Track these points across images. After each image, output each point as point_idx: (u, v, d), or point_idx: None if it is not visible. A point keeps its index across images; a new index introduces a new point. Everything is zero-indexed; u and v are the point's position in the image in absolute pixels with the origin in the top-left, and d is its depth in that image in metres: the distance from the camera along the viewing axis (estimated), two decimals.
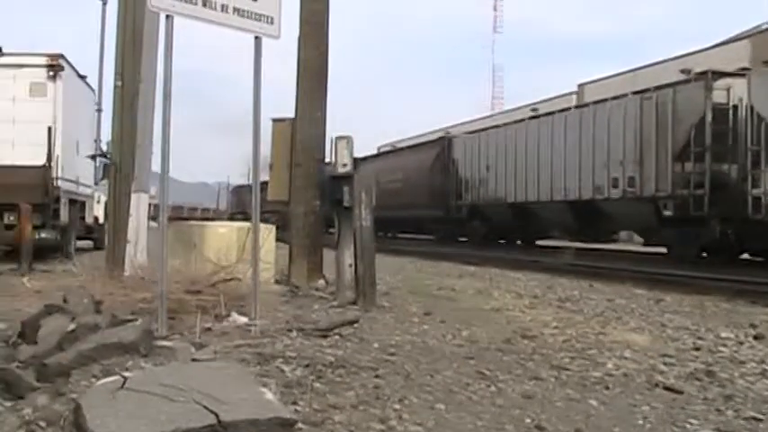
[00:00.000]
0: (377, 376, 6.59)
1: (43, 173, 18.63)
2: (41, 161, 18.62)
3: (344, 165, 12.00)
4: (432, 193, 35.64)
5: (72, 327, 6.53)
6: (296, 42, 13.68)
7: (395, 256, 26.18)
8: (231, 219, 79.60)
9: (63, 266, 15.53)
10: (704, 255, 22.39)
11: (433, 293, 13.92)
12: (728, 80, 20.81)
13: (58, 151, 19.55)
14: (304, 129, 13.51)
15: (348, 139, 12.18)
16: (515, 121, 32.49)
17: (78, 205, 23.35)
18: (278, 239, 14.21)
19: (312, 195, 13.32)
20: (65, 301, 7.66)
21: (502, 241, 33.67)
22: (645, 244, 27.23)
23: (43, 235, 18.52)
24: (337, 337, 8.50)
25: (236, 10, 8.47)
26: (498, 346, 8.42)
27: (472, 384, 6.52)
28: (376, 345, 8.15)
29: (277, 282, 13.24)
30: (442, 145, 36.89)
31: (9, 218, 17.53)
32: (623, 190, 23.63)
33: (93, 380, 5.74)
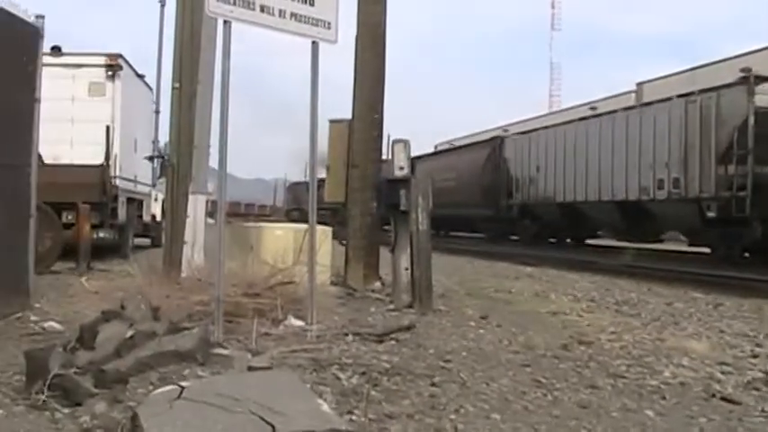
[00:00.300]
0: (433, 384, 6.59)
1: (101, 172, 18.73)
2: (100, 160, 18.74)
3: (401, 168, 11.98)
4: (483, 193, 35.58)
5: (130, 333, 6.58)
6: (353, 43, 13.71)
7: (450, 255, 26.17)
8: (287, 214, 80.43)
9: (120, 266, 15.65)
10: (746, 255, 22.47)
11: (490, 296, 13.87)
12: None
13: (116, 150, 19.69)
14: (361, 130, 13.53)
15: (405, 143, 12.16)
16: (564, 122, 32.41)
17: (136, 204, 23.55)
18: (333, 237, 14.21)
19: (369, 197, 13.33)
20: (122, 307, 7.71)
21: (552, 240, 33.65)
22: (690, 244, 27.20)
23: (101, 234, 18.65)
24: (393, 342, 8.53)
25: (293, 15, 8.49)
26: (555, 353, 8.38)
27: (528, 393, 6.49)
28: (432, 351, 8.15)
29: (333, 283, 13.26)
30: (494, 145, 36.80)
31: (67, 217, 17.59)
32: (668, 191, 23.76)
33: (151, 387, 5.80)
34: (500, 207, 34.72)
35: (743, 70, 21.88)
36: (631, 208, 26.15)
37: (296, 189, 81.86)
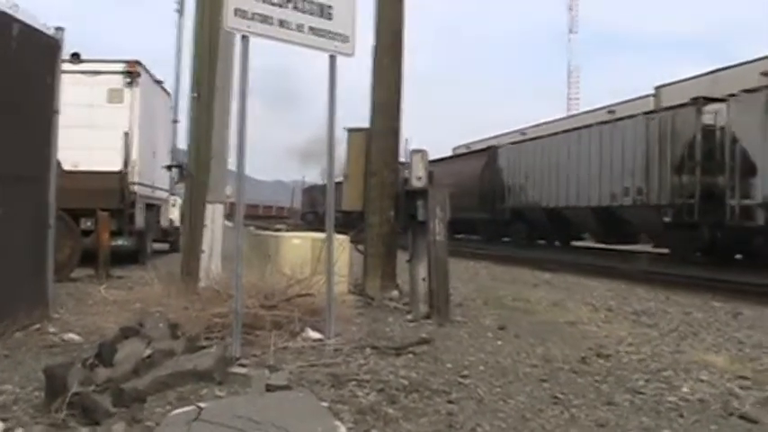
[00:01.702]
0: (450, 401, 6.60)
1: (120, 178, 18.85)
2: (118, 167, 18.84)
3: (419, 178, 12.01)
4: (480, 197, 38.48)
5: (148, 352, 6.61)
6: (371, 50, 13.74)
7: (467, 259, 26.22)
8: (303, 217, 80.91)
9: (139, 272, 15.67)
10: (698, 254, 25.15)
11: (508, 305, 13.84)
12: (716, 105, 23.75)
13: (134, 156, 19.80)
14: (379, 139, 13.54)
15: (423, 153, 12.19)
16: (549, 135, 36.16)
17: (154, 210, 23.66)
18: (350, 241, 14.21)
19: (387, 205, 13.32)
20: (141, 324, 7.74)
21: (541, 242, 36.76)
22: (654, 246, 30.01)
23: (120, 242, 18.70)
24: (411, 355, 8.53)
25: (311, 29, 8.51)
26: (572, 366, 8.37)
27: (545, 410, 6.49)
28: (449, 365, 8.16)
29: (351, 292, 13.26)
30: (490, 154, 40.25)
31: (86, 223, 17.67)
32: (633, 198, 27.12)
33: (169, 407, 5.83)
34: (495, 211, 38.20)
35: (763, 74, 23.41)
36: (603, 213, 29.64)
37: (311, 192, 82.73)
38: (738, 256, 24.84)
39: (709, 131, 23.56)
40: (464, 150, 55.24)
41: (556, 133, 35.31)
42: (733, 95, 23.02)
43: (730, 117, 22.54)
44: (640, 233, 30.35)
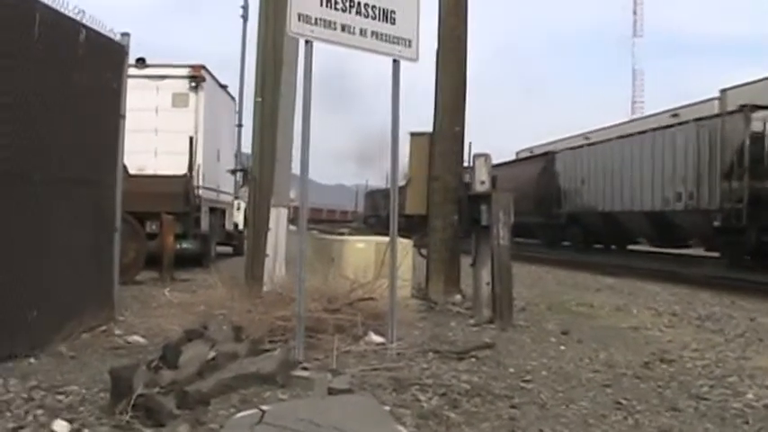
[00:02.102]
0: (512, 406, 6.57)
1: (185, 182, 18.93)
2: (183, 170, 18.96)
3: (482, 182, 12.00)
4: (537, 202, 38.62)
5: (212, 354, 6.66)
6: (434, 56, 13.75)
7: (531, 264, 26.16)
8: (365, 221, 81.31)
9: (203, 276, 15.77)
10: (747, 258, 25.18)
11: (571, 310, 13.79)
12: (764, 113, 24.17)
13: (199, 160, 19.90)
14: (442, 143, 13.56)
15: (486, 157, 12.16)
16: (604, 141, 36.85)
17: (219, 213, 23.82)
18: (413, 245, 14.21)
19: (450, 210, 13.32)
20: (205, 327, 7.80)
21: (598, 246, 37.10)
22: (705, 250, 30.21)
23: (184, 245, 18.80)
24: (473, 359, 8.52)
25: (374, 33, 8.53)
26: (636, 372, 8.30)
27: (608, 416, 6.44)
28: (512, 369, 8.14)
29: (414, 296, 13.27)
30: (547, 159, 40.99)
31: (151, 227, 17.77)
32: (685, 203, 27.72)
33: (232, 410, 5.87)
34: (551, 215, 38.67)
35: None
36: (656, 217, 30.26)
37: (374, 196, 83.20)
38: None
39: (757, 138, 23.88)
40: (527, 154, 55.05)
41: (610, 139, 36.06)
42: None
43: None
44: (692, 237, 30.88)
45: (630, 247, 36.72)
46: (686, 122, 29.15)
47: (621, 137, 34.84)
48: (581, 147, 39.38)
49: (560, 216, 38.22)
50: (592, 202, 35.17)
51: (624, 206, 32.18)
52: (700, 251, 30.86)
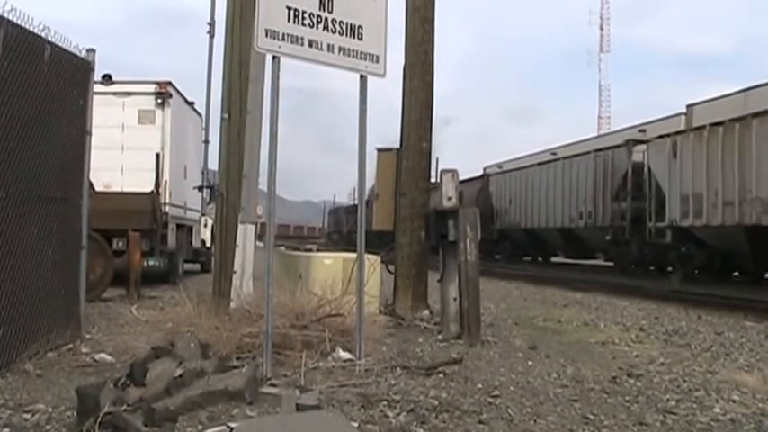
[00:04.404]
0: (480, 422, 6.58)
1: (152, 199, 18.86)
2: (150, 188, 18.90)
3: (449, 198, 12.02)
4: None
5: (179, 372, 6.65)
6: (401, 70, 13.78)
7: (500, 279, 26.28)
8: (329, 236, 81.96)
9: (170, 293, 15.72)
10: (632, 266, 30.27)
11: (539, 325, 13.85)
12: (643, 146, 29.12)
13: (166, 177, 19.88)
14: (410, 159, 13.59)
15: (453, 173, 12.20)
16: (527, 167, 42.21)
17: (186, 230, 23.78)
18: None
19: (417, 225, 13.36)
20: (172, 344, 7.78)
21: (527, 258, 42.78)
22: (605, 260, 35.35)
23: (151, 262, 18.75)
24: (441, 375, 8.53)
25: (341, 49, 8.54)
26: (603, 386, 8.33)
27: (576, 431, 6.46)
28: (480, 385, 8.15)
29: (382, 312, 13.26)
30: (483, 181, 45.71)
31: (118, 244, 17.69)
32: (585, 221, 32.96)
33: (200, 427, 5.85)
34: (486, 231, 40.87)
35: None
36: (566, 232, 35.58)
37: (337, 213, 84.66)
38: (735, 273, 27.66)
39: (637, 167, 28.95)
40: (496, 170, 55.53)
41: (531, 165, 41.61)
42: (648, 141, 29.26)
43: (650, 156, 27.67)
44: (593, 251, 36.36)
45: (553, 259, 42.76)
46: (588, 153, 34.76)
47: (540, 163, 40.41)
48: (510, 171, 44.69)
49: (493, 232, 42.03)
50: (518, 219, 40.18)
51: (541, 223, 37.29)
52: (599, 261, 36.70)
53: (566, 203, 34.63)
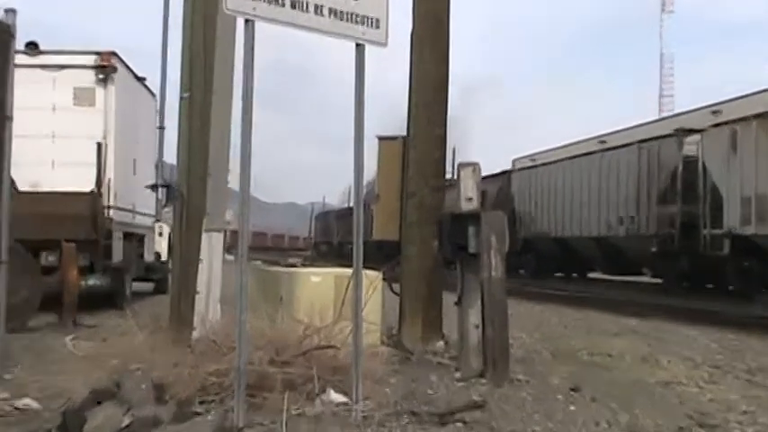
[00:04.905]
0: None
1: (91, 201, 18.79)
2: (89, 186, 18.83)
3: (469, 199, 11.96)
4: None
5: (127, 421, 6.64)
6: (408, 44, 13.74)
7: (530, 301, 26.19)
8: (315, 248, 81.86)
9: (116, 320, 15.69)
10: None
11: (583, 359, 13.79)
12: (697, 136, 29.14)
13: (110, 174, 19.84)
14: (419, 149, 13.54)
15: (474, 167, 12.13)
16: (557, 160, 42.76)
17: (135, 240, 23.79)
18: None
19: (429, 233, 13.28)
20: (117, 385, 7.76)
21: (559, 274, 42.21)
22: (652, 276, 35.08)
23: (91, 282, 18.68)
24: (460, 424, 8.51)
25: (332, 11, 8.51)
26: None
27: None
28: None
29: (384, 343, 13.24)
30: (503, 179, 45.86)
31: (48, 258, 17.63)
32: (626, 228, 32.99)
33: None
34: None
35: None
36: (603, 242, 35.55)
37: (326, 218, 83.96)
38: None
39: (689, 162, 29.00)
40: (528, 163, 55.51)
41: (560, 160, 42.37)
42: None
43: (704, 149, 27.95)
44: (638, 264, 35.38)
45: (590, 274, 41.95)
46: (629, 145, 34.79)
47: (572, 157, 40.81)
48: (535, 167, 44.90)
49: (516, 242, 40.45)
50: (545, 226, 40.52)
51: (574, 231, 37.53)
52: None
53: (602, 207, 34.63)
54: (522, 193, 42.69)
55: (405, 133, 13.86)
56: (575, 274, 41.88)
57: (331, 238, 72.89)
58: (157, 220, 25.81)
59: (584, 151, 43.27)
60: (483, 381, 10.98)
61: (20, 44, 11.32)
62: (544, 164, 43.58)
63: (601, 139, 52.49)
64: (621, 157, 33.61)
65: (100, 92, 20.36)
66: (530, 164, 53.28)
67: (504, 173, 46.82)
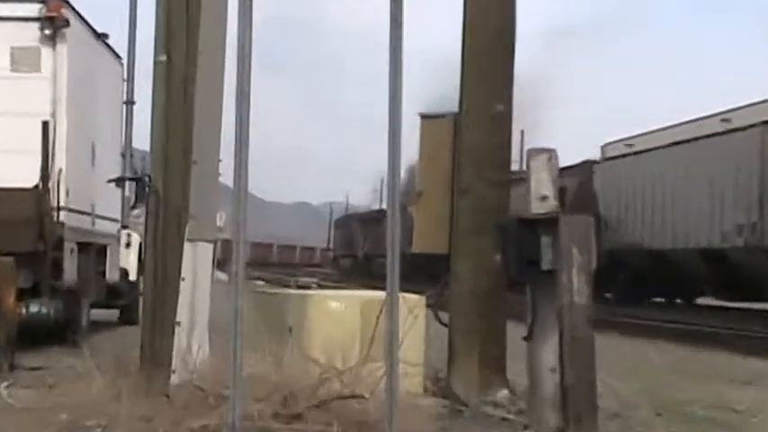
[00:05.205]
0: None
1: (35, 201, 18.76)
2: (32, 181, 18.82)
3: (543, 198, 11.86)
4: None
5: None
6: None
7: (620, 332, 25.99)
8: (334, 262, 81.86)
9: (68, 360, 15.74)
10: None
11: (698, 416, 13.72)
12: None
13: (60, 163, 19.77)
14: (474, 131, 13.50)
15: (550, 154, 12.01)
16: (652, 149, 42.33)
17: (95, 253, 23.68)
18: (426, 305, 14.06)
19: (487, 244, 13.18)
20: None
21: (658, 299, 41.17)
22: None
23: (34, 309, 18.57)
24: None
25: None
26: None
27: None
28: None
29: (428, 391, 13.25)
30: (583, 172, 44.76)
31: None
32: (745, 238, 31.87)
33: None
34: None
35: None
36: (714, 257, 33.72)
37: (350, 224, 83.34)
38: None
39: None
40: (623, 150, 55.46)
41: (656, 148, 41.39)
42: None
43: None
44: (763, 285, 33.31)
45: (700, 300, 40.45)
46: (747, 128, 32.96)
47: (672, 144, 39.12)
48: (624, 156, 44.84)
49: (601, 255, 39.43)
50: (638, 235, 38.68)
51: (675, 242, 35.62)
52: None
53: (715, 210, 32.91)
54: (607, 190, 41.93)
55: (456, 110, 13.80)
56: (678, 300, 41.24)
57: (355, 251, 72.58)
58: (124, 227, 25.80)
59: (696, 135, 42.66)
60: None
61: None
62: (636, 152, 43.01)
63: (724, 116, 52.14)
64: (740, 142, 32.10)
65: (46, 53, 20.23)
66: (625, 151, 53.09)
67: (584, 163, 46.13)
